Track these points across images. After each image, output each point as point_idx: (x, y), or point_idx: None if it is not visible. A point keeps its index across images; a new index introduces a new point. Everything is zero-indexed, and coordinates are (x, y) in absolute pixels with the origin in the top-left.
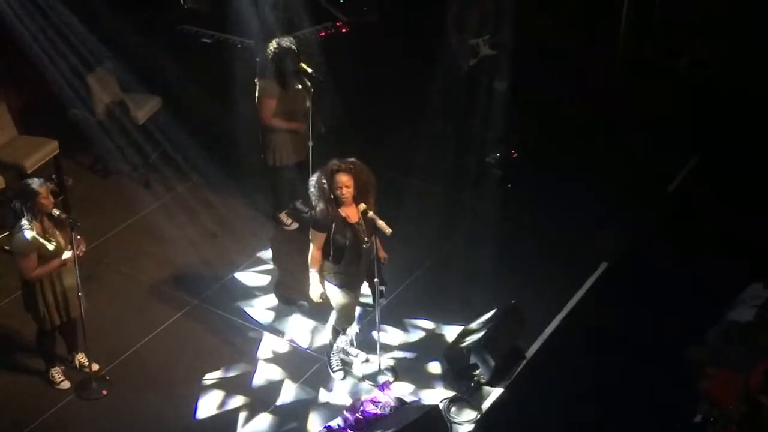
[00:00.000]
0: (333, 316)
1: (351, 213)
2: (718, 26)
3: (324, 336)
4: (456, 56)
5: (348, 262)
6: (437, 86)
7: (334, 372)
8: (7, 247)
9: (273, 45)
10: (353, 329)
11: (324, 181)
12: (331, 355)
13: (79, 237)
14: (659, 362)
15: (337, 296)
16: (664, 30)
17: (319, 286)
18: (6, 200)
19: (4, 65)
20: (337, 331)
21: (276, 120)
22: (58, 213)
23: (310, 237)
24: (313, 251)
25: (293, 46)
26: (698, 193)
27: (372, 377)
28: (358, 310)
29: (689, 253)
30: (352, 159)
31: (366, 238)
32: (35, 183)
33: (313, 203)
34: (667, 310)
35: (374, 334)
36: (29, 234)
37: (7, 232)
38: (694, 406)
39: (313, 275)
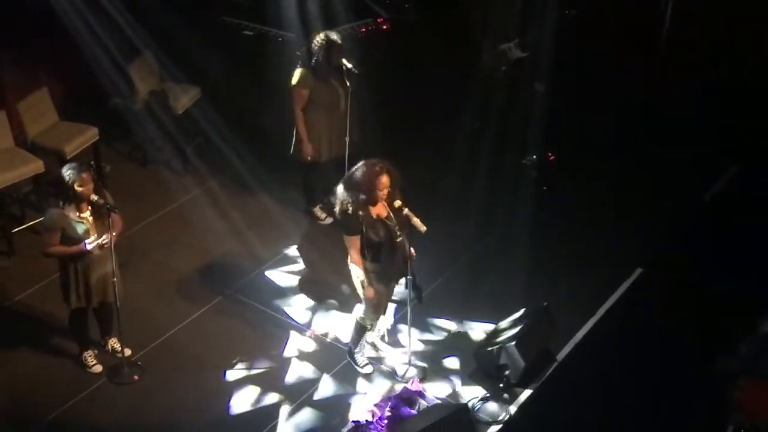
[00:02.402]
0: (360, 311)
1: (379, 210)
2: (757, 32)
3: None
4: (489, 62)
5: (385, 257)
6: (475, 87)
7: (361, 368)
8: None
9: (321, 37)
10: (385, 324)
11: (364, 182)
12: (355, 352)
13: (117, 225)
14: (691, 370)
15: (370, 289)
16: (702, 34)
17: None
18: (46, 184)
19: (48, 52)
20: (363, 328)
21: (300, 113)
22: (96, 199)
23: (345, 243)
24: (355, 256)
25: (339, 40)
26: (735, 201)
27: (401, 374)
28: (391, 306)
29: (725, 261)
30: (379, 159)
31: (399, 232)
32: (75, 168)
33: (340, 207)
34: (701, 319)
35: (405, 330)
36: (57, 211)
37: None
38: (726, 416)
39: (361, 273)
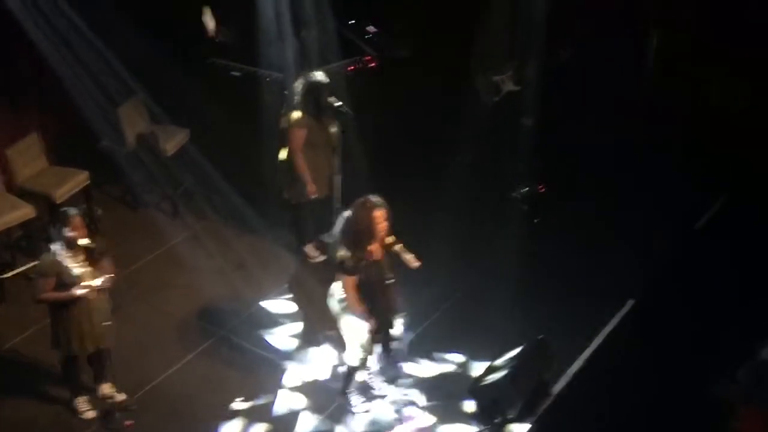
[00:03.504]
0: (349, 354)
1: (375, 250)
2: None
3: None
4: (480, 93)
5: (371, 299)
6: (463, 121)
7: (356, 408)
8: (32, 276)
9: (307, 78)
10: (376, 363)
11: (364, 222)
12: (348, 394)
13: (108, 270)
14: (688, 400)
15: (355, 328)
16: (693, 61)
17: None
18: (37, 230)
19: (37, 96)
20: (354, 368)
21: (300, 155)
22: (87, 243)
23: (341, 285)
24: (352, 297)
25: (326, 80)
26: (727, 229)
27: (396, 412)
28: (377, 346)
29: (718, 290)
30: (366, 197)
31: (390, 274)
32: (66, 214)
33: (340, 247)
34: (697, 348)
35: (400, 369)
36: (51, 257)
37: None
38: None
39: (356, 317)
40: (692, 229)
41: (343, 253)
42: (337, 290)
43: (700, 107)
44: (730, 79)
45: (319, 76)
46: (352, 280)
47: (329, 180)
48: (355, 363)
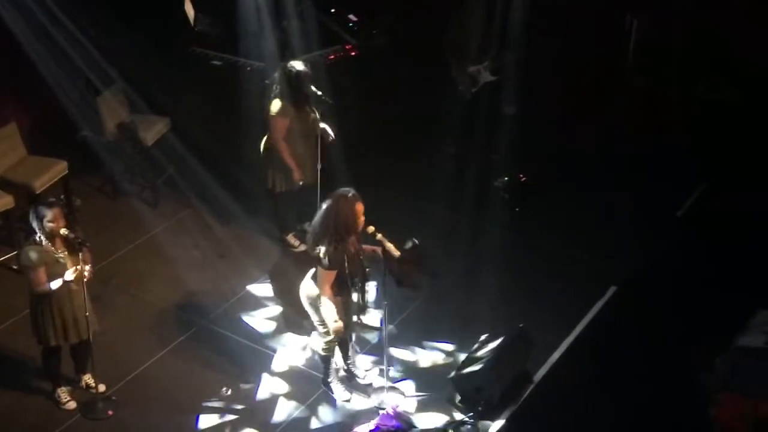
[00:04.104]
0: (319, 341)
1: (352, 242)
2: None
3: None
4: (457, 84)
5: (348, 291)
6: (444, 110)
7: (338, 396)
8: (14, 266)
9: (288, 67)
10: (357, 351)
11: (345, 215)
12: (329, 381)
13: (86, 260)
14: (668, 388)
15: (326, 319)
16: (678, 53)
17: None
18: (17, 220)
19: (14, 86)
20: (328, 358)
21: (283, 144)
22: (66, 233)
23: (320, 278)
24: (328, 290)
25: (307, 69)
26: (707, 217)
27: (378, 401)
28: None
29: (699, 277)
30: (342, 189)
31: (367, 267)
32: (46, 204)
33: (325, 248)
34: (677, 335)
35: (382, 356)
36: (36, 249)
37: (16, 251)
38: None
39: (330, 306)
40: (673, 217)
41: (326, 247)
42: (310, 283)
43: (686, 97)
44: (718, 72)
45: (301, 65)
46: (332, 274)
47: (312, 169)
48: (325, 353)
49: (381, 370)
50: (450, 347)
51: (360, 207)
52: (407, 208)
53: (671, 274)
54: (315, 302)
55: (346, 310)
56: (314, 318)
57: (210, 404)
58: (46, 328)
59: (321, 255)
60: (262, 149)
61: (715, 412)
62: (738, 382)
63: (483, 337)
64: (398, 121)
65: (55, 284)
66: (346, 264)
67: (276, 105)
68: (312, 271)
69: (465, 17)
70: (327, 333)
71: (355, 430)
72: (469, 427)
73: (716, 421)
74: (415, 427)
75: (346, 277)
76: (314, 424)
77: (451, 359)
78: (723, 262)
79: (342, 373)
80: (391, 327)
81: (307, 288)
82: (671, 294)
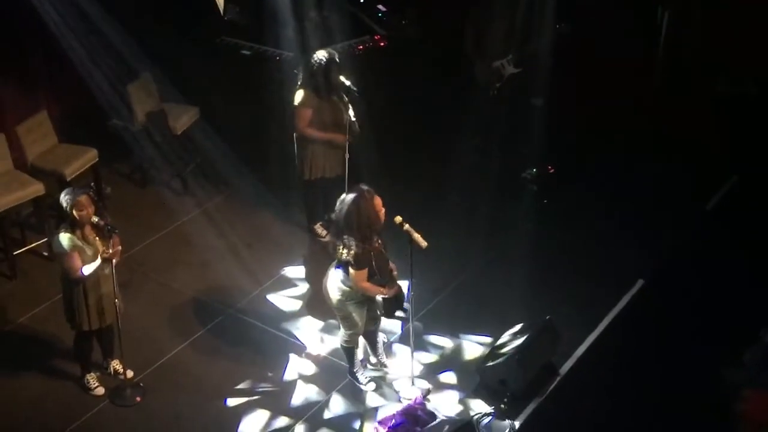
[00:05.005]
0: (344, 333)
1: (375, 238)
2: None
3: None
4: (482, 79)
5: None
6: (472, 103)
7: (364, 385)
8: (45, 253)
9: (318, 56)
10: (383, 342)
11: (362, 213)
12: (354, 372)
13: (116, 244)
14: (695, 382)
15: (348, 308)
16: (702, 46)
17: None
18: (47, 207)
19: (47, 74)
20: (351, 349)
21: (311, 130)
22: (97, 220)
23: (353, 279)
24: (370, 288)
25: (337, 59)
26: (737, 211)
27: (404, 391)
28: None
29: (727, 272)
30: (357, 186)
31: (391, 264)
32: (76, 191)
33: (350, 250)
34: (704, 330)
35: (408, 347)
36: (67, 235)
37: (46, 239)
38: (730, 428)
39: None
40: (702, 210)
41: (355, 248)
42: (335, 278)
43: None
44: (739, 67)
45: (327, 54)
46: (364, 272)
47: (341, 159)
48: (348, 344)
49: (406, 361)
50: (475, 339)
51: (379, 201)
52: (433, 200)
53: (699, 268)
54: (340, 297)
55: (370, 304)
56: (338, 313)
57: (237, 392)
58: (80, 313)
59: (350, 258)
60: (295, 138)
61: (743, 408)
62: (766, 377)
63: (509, 330)
64: (426, 112)
65: (88, 269)
66: (373, 261)
67: (299, 95)
68: (334, 264)
69: (490, 11)
70: (350, 326)
71: (379, 419)
72: (494, 418)
73: (743, 417)
74: (439, 418)
75: (374, 271)
76: (339, 412)
77: (476, 351)
78: (752, 255)
79: (368, 363)
80: (416, 319)
81: (332, 283)
82: (699, 288)
